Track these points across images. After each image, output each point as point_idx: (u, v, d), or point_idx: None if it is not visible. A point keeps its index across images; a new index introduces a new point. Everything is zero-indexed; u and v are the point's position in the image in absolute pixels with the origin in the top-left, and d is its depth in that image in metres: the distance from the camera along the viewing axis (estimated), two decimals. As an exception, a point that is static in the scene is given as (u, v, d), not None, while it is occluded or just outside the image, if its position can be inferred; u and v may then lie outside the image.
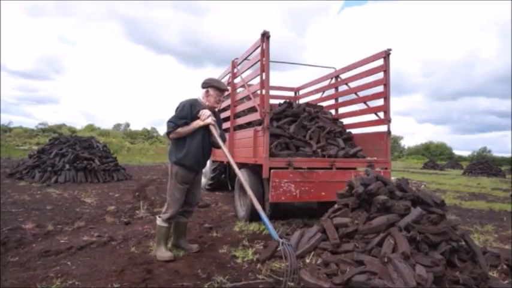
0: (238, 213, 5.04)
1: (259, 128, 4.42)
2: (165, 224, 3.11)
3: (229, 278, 2.64)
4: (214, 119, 3.12)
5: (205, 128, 3.09)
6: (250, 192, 2.94)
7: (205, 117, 3.06)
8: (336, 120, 5.89)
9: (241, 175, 3.15)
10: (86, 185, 8.12)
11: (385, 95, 4.96)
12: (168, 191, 3.20)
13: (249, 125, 5.33)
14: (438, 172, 24.90)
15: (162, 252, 3.03)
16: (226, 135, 5.80)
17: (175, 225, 3.27)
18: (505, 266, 2.99)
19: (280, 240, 2.60)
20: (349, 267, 2.59)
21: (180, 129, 3.03)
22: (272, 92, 6.79)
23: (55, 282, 2.43)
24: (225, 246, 3.44)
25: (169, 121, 3.04)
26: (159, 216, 3.16)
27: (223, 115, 6.36)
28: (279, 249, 2.63)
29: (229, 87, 5.98)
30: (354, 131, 5.70)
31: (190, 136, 3.07)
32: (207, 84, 3.15)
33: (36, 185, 7.71)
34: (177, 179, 3.09)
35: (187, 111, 3.05)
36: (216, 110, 3.40)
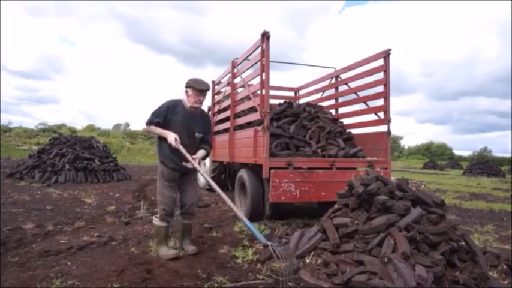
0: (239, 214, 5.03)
1: (259, 128, 4.42)
2: (162, 224, 3.11)
3: (229, 278, 2.64)
4: (178, 141, 3.01)
5: (188, 130, 3.12)
6: (227, 199, 3.06)
7: (171, 137, 3.03)
8: (336, 120, 5.89)
9: (212, 182, 3.21)
10: (86, 185, 8.12)
11: (385, 95, 4.96)
12: (157, 190, 3.22)
13: (249, 125, 5.33)
14: (438, 172, 24.90)
15: (166, 251, 3.03)
16: (227, 136, 5.81)
17: (181, 227, 3.29)
18: (505, 266, 2.99)
19: (269, 243, 2.63)
20: (349, 267, 2.59)
21: (152, 128, 3.10)
22: (272, 92, 6.80)
23: (55, 282, 2.43)
24: (225, 246, 3.43)
25: (148, 118, 3.12)
26: (155, 217, 3.17)
27: (223, 115, 6.37)
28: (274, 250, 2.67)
29: (228, 88, 5.99)
30: (354, 131, 5.70)
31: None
32: (187, 84, 3.14)
33: (36, 185, 7.71)
34: (164, 177, 3.14)
35: (163, 112, 3.08)
36: (199, 110, 3.25)
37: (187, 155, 3.05)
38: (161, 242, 3.09)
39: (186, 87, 3.13)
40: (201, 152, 3.22)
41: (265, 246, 2.91)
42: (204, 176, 3.21)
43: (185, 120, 3.13)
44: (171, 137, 3.02)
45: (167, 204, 3.10)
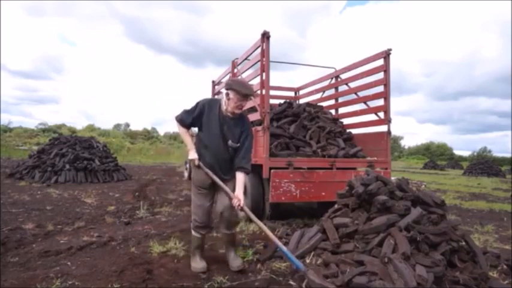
0: (238, 213, 5.03)
1: (259, 128, 4.42)
2: (195, 234, 2.88)
3: (229, 278, 2.64)
4: (194, 157, 2.75)
5: (222, 138, 2.74)
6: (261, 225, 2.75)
7: (190, 161, 2.81)
8: (336, 120, 5.89)
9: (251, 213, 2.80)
10: (86, 185, 8.11)
11: (385, 95, 4.96)
12: (191, 197, 2.97)
13: (249, 125, 5.33)
14: (438, 172, 24.89)
15: (195, 263, 2.81)
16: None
17: (222, 237, 3.02)
18: (505, 266, 2.99)
19: (304, 269, 2.47)
20: (349, 268, 2.59)
21: (181, 130, 2.84)
22: (272, 92, 6.79)
23: (55, 282, 2.43)
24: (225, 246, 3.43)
25: (179, 114, 2.83)
26: (191, 221, 2.97)
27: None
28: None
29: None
30: (354, 131, 5.70)
31: (206, 143, 2.78)
32: (228, 86, 2.71)
33: (36, 185, 7.70)
34: (194, 182, 2.88)
35: (196, 113, 2.75)
36: (237, 115, 2.79)
37: (219, 181, 2.74)
38: (194, 252, 2.88)
39: (227, 89, 2.69)
40: (240, 180, 2.75)
41: (302, 273, 2.52)
42: (247, 213, 2.75)
43: (220, 126, 2.73)
44: (192, 156, 2.75)
45: (197, 214, 2.83)
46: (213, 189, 2.86)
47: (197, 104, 2.80)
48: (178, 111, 2.85)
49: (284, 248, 2.59)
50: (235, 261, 2.82)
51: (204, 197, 2.84)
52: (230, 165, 2.82)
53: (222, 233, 2.94)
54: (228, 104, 2.71)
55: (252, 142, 2.93)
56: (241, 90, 2.65)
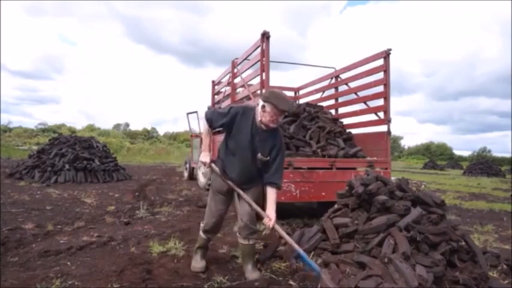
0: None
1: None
2: (202, 235, 2.86)
3: (229, 278, 2.64)
4: (206, 160, 2.65)
5: (251, 149, 2.61)
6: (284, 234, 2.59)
7: (201, 163, 2.72)
8: (336, 120, 5.89)
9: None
10: (85, 185, 8.11)
11: (385, 95, 4.97)
12: (208, 201, 2.90)
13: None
14: (438, 172, 24.89)
15: (195, 262, 2.83)
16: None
17: (239, 247, 2.86)
18: (505, 266, 2.99)
19: (320, 270, 2.42)
20: (349, 267, 2.59)
21: (205, 128, 2.73)
22: (272, 92, 6.79)
23: (55, 282, 2.43)
24: (225, 246, 3.43)
25: (209, 112, 2.72)
26: (202, 222, 2.92)
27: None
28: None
29: (228, 88, 5.99)
30: (354, 131, 5.70)
31: (233, 151, 2.66)
32: (266, 99, 2.51)
33: (36, 185, 7.70)
34: (212, 187, 2.81)
35: (229, 118, 2.60)
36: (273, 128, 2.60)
37: (236, 188, 2.65)
38: (196, 250, 2.88)
39: (265, 101, 2.50)
40: (272, 197, 2.62)
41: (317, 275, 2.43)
42: (278, 231, 2.60)
43: (252, 137, 2.59)
44: (204, 158, 2.65)
45: (210, 219, 2.77)
46: (230, 195, 2.80)
47: (230, 109, 2.65)
48: (205, 111, 2.74)
49: (302, 252, 2.54)
50: (252, 274, 2.66)
51: (221, 203, 2.76)
52: (252, 176, 2.71)
53: (240, 244, 2.77)
54: (262, 115, 2.53)
55: (284, 157, 2.77)
56: (279, 105, 2.47)
